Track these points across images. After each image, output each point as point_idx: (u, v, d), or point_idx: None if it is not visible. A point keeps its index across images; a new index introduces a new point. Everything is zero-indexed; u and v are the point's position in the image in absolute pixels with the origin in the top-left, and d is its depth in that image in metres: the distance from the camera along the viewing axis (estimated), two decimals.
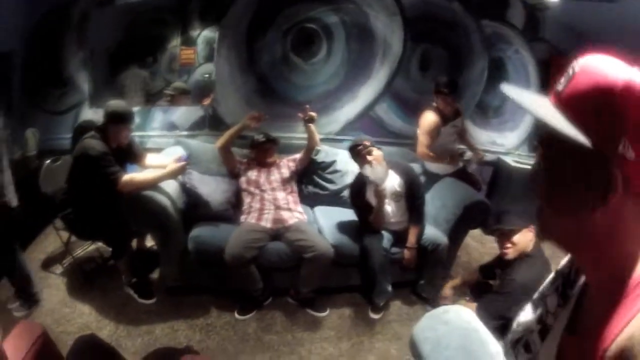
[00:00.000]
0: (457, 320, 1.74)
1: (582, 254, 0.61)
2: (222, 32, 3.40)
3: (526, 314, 0.78)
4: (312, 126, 2.98)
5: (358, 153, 2.66)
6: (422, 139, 3.09)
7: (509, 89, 0.59)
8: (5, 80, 3.18)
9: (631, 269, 0.54)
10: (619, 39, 3.37)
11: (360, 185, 2.73)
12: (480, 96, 3.94)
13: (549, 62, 3.98)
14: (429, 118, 3.06)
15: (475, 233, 3.87)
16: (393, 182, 2.71)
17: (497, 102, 4.04)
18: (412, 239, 2.68)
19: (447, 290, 2.49)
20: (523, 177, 3.68)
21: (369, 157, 2.59)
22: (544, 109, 0.55)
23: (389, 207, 2.72)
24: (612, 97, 0.50)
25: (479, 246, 3.73)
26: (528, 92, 0.61)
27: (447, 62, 3.76)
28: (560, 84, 0.57)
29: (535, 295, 0.79)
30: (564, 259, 0.74)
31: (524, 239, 2.03)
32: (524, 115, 4.09)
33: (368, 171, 2.52)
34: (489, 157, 4.05)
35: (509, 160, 3.92)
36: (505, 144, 4.11)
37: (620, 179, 0.51)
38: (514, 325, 0.80)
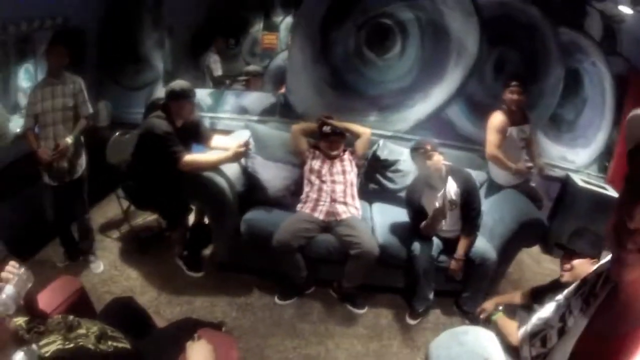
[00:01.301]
0: (474, 344, 1.79)
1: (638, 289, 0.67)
2: (297, 21, 3.52)
3: (549, 311, 0.87)
4: (347, 124, 3.14)
5: (418, 155, 2.68)
6: (491, 137, 3.09)
7: None
8: (80, 54, 3.42)
9: None
10: None
11: (416, 188, 2.76)
12: (554, 108, 3.81)
13: (625, 78, 3.77)
14: (497, 117, 3.08)
15: (533, 250, 3.78)
16: (450, 189, 2.72)
17: (572, 116, 3.87)
18: (460, 249, 2.68)
19: (489, 304, 2.40)
20: (589, 198, 3.54)
21: (427, 162, 2.62)
22: None
23: (445, 216, 2.72)
24: None
25: (534, 265, 3.63)
26: None
27: (522, 68, 3.65)
28: None
29: (560, 296, 0.87)
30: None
31: (584, 267, 1.95)
32: (597, 132, 3.91)
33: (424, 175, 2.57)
34: (558, 173, 3.92)
35: (577, 179, 3.76)
36: (576, 160, 3.95)
37: None
38: (534, 319, 0.89)
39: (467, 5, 3.45)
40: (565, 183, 3.88)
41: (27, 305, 1.19)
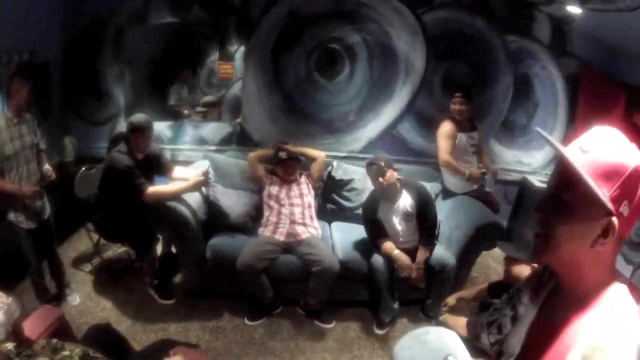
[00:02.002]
0: (435, 342, 1.95)
1: (568, 273, 0.81)
2: (250, 50, 3.68)
3: (502, 302, 1.00)
4: (302, 148, 3.32)
5: (372, 170, 2.84)
6: (442, 144, 3.26)
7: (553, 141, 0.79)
8: (45, 89, 3.51)
9: (600, 285, 0.77)
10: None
11: (372, 202, 2.92)
12: (506, 114, 4.02)
13: (577, 76, 4.00)
14: (446, 125, 3.27)
15: (497, 253, 3.93)
16: (405, 202, 2.89)
17: (524, 120, 4.08)
18: (420, 259, 2.83)
19: (452, 299, 2.53)
20: None
21: (380, 179, 2.79)
22: (577, 163, 0.74)
23: (399, 227, 2.89)
24: (625, 173, 0.73)
25: (499, 267, 3.72)
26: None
27: (471, 80, 3.85)
28: (585, 144, 0.77)
29: (512, 289, 1.00)
30: None
31: (520, 270, 2.05)
32: (551, 132, 4.11)
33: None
34: (515, 176, 4.12)
35: (535, 180, 3.96)
36: (531, 163, 4.15)
37: (616, 228, 0.73)
38: (491, 309, 1.02)
39: (412, 25, 3.66)
40: (523, 186, 4.07)
41: (15, 331, 1.32)
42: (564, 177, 0.76)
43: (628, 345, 0.71)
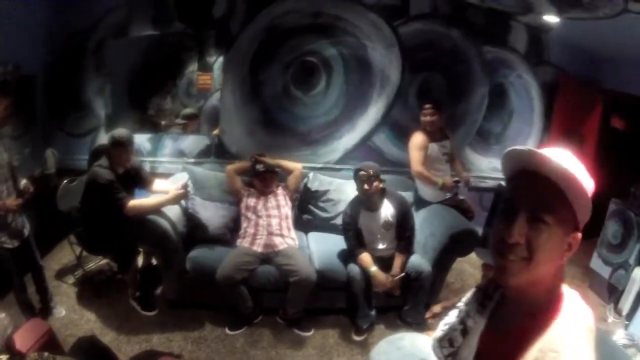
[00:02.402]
0: (411, 347, 2.05)
1: (527, 286, 0.83)
2: (228, 63, 3.76)
3: (451, 317, 1.05)
4: (279, 161, 3.44)
5: (359, 178, 2.94)
6: (414, 155, 3.36)
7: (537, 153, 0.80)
8: (28, 101, 3.55)
9: (552, 292, 0.83)
10: (620, 54, 3.58)
11: (353, 209, 3.01)
12: (481, 123, 4.15)
13: (554, 84, 4.15)
14: (417, 137, 3.39)
15: (474, 259, 4.07)
16: (386, 211, 3.00)
17: (499, 129, 4.24)
18: (396, 266, 2.94)
19: (437, 307, 2.68)
20: None
21: (365, 186, 2.90)
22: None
23: (379, 235, 3.00)
24: (587, 196, 0.79)
25: (476, 272, 3.86)
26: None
27: (446, 91, 3.98)
28: (553, 168, 0.78)
29: (459, 303, 1.05)
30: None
31: None
32: (526, 140, 4.29)
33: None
34: (490, 183, 4.27)
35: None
36: None
37: (579, 241, 0.80)
38: (441, 325, 1.06)
39: (388, 37, 3.78)
40: (498, 192, 4.20)
41: (7, 345, 1.40)
42: (547, 198, 0.79)
43: (583, 349, 0.75)
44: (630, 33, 2.99)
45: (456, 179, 3.52)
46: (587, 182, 0.80)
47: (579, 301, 0.83)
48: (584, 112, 4.05)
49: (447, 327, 1.04)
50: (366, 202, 2.99)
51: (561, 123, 4.22)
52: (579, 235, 0.81)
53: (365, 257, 2.92)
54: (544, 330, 0.77)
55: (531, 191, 0.80)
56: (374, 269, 2.89)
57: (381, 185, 2.98)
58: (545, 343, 0.75)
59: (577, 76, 4.09)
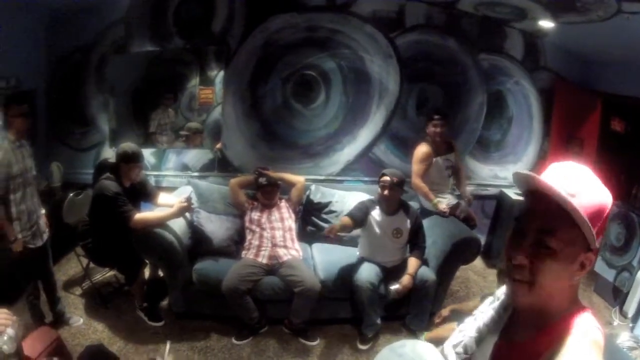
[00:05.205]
0: (411, 354, 2.11)
1: (539, 305, 0.83)
2: (228, 79, 3.89)
3: (466, 324, 1.05)
4: (281, 174, 3.54)
5: (380, 182, 3.05)
6: (415, 167, 3.45)
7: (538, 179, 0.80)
8: (30, 115, 3.65)
9: (566, 308, 0.83)
10: (616, 56, 3.65)
11: (368, 204, 3.14)
12: (480, 131, 4.25)
13: (552, 89, 4.23)
14: (421, 149, 3.45)
15: (478, 266, 4.17)
16: (401, 220, 3.10)
17: (498, 136, 4.34)
18: (411, 268, 3.02)
19: (446, 311, 2.65)
20: None
21: (384, 192, 3.01)
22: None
23: (386, 237, 3.08)
24: (605, 212, 0.80)
25: (480, 280, 4.00)
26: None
27: (444, 100, 4.09)
28: (570, 187, 0.78)
29: (476, 310, 1.06)
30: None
31: None
32: (526, 146, 4.39)
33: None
34: (491, 191, 4.36)
35: (511, 193, 4.18)
36: (507, 176, 4.36)
37: (592, 261, 0.80)
38: (456, 331, 1.07)
39: (385, 48, 3.91)
40: (500, 199, 4.30)
41: (16, 351, 1.47)
42: (551, 223, 0.79)
43: None
44: (626, 34, 3.07)
45: (455, 202, 3.59)
46: (600, 198, 0.80)
47: (592, 320, 0.83)
48: (583, 116, 4.14)
49: (461, 334, 1.05)
50: (381, 205, 3.11)
51: (561, 128, 4.31)
52: (592, 256, 0.81)
53: (344, 218, 3.05)
54: (554, 346, 0.78)
55: (537, 214, 0.81)
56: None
57: (399, 196, 3.08)
58: (555, 359, 0.77)
59: (575, 80, 4.19)
